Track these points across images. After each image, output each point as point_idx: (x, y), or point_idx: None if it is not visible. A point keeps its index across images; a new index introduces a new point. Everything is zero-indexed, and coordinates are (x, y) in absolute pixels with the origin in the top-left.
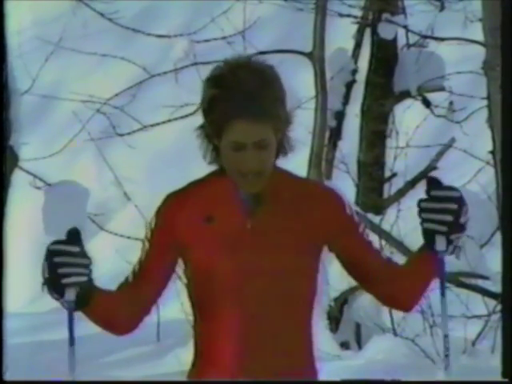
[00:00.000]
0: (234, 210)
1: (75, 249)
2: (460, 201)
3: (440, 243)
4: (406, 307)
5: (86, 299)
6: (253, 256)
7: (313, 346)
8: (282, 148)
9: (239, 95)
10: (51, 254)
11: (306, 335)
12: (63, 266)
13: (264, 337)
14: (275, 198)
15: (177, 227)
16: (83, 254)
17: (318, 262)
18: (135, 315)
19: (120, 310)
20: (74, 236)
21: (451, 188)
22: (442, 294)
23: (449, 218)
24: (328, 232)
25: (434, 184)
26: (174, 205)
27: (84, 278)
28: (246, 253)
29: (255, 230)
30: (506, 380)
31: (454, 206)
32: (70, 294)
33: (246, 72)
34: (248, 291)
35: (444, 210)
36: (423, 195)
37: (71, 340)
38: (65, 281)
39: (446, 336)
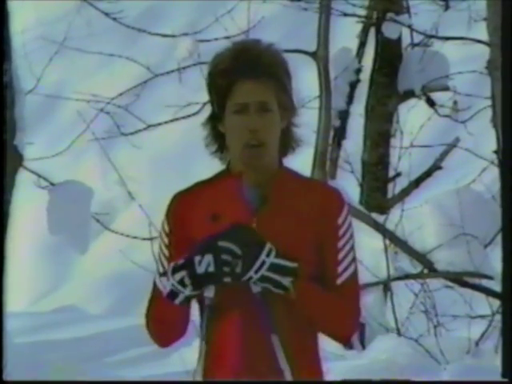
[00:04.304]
0: (240, 209)
1: (238, 251)
2: (192, 256)
3: (252, 287)
4: (335, 337)
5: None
6: None
7: (317, 345)
8: (288, 142)
9: (245, 58)
10: (221, 251)
11: (310, 335)
12: (227, 264)
13: (267, 336)
14: (280, 197)
15: (186, 226)
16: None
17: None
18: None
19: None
20: (236, 234)
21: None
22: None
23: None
24: (319, 234)
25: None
26: (182, 204)
27: (230, 279)
28: None
29: (260, 229)
30: (506, 380)
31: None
32: (212, 291)
33: (253, 43)
34: (253, 290)
35: None
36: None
37: (203, 338)
38: (226, 279)
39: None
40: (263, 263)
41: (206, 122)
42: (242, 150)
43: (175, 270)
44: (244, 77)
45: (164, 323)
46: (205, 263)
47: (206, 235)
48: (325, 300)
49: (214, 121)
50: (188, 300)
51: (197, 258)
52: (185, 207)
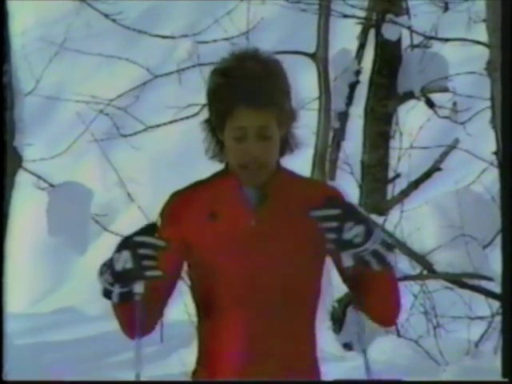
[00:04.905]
0: (238, 207)
1: (161, 243)
2: (341, 218)
3: (345, 260)
4: (385, 320)
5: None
6: (256, 254)
7: (316, 346)
8: (287, 145)
9: (244, 83)
10: (136, 245)
11: (309, 335)
12: (148, 258)
13: (267, 336)
14: (279, 196)
15: (181, 225)
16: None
17: (322, 262)
18: (151, 317)
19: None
20: (152, 229)
21: (331, 206)
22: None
23: (331, 236)
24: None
25: (326, 203)
26: (178, 203)
27: (161, 273)
28: (249, 251)
29: (259, 228)
30: (506, 380)
31: (333, 224)
32: (140, 287)
33: (253, 62)
34: (251, 289)
35: (325, 229)
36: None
37: (139, 334)
38: (149, 273)
39: (364, 351)
40: (378, 236)
41: (204, 125)
42: (241, 171)
43: (102, 269)
44: (244, 104)
45: (122, 320)
46: (122, 260)
47: (203, 234)
48: (390, 280)
49: (213, 127)
50: (125, 297)
51: (115, 256)
52: (181, 207)
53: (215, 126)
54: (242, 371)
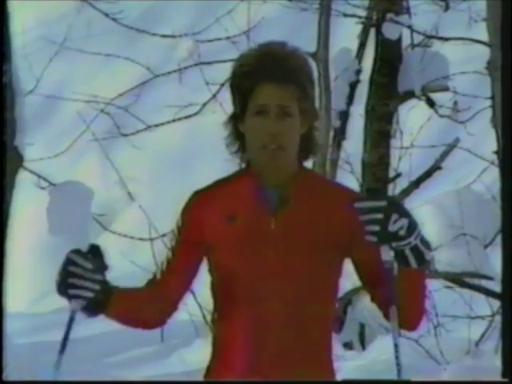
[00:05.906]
0: (258, 209)
1: (88, 265)
2: (387, 210)
3: (385, 253)
4: (409, 323)
5: (103, 305)
6: (275, 257)
7: (331, 346)
8: (309, 145)
9: (267, 62)
10: (67, 262)
11: (325, 337)
12: (74, 276)
13: (284, 336)
14: (300, 198)
15: (202, 225)
16: (97, 270)
17: (340, 265)
18: (163, 311)
19: (145, 307)
20: (95, 250)
21: (377, 199)
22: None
23: (375, 228)
24: (350, 235)
25: (369, 196)
26: (199, 202)
27: (89, 294)
28: (268, 253)
29: (279, 231)
30: (506, 380)
31: (378, 216)
32: (75, 304)
33: (276, 46)
34: (269, 292)
35: (369, 221)
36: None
37: (63, 346)
38: (71, 292)
39: (396, 345)
40: (420, 231)
41: (227, 121)
42: (260, 151)
43: None
44: (267, 79)
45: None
46: (58, 272)
47: (223, 236)
48: (422, 282)
49: (235, 121)
50: (98, 311)
51: (59, 269)
52: (201, 207)
53: (237, 111)
54: (256, 369)
